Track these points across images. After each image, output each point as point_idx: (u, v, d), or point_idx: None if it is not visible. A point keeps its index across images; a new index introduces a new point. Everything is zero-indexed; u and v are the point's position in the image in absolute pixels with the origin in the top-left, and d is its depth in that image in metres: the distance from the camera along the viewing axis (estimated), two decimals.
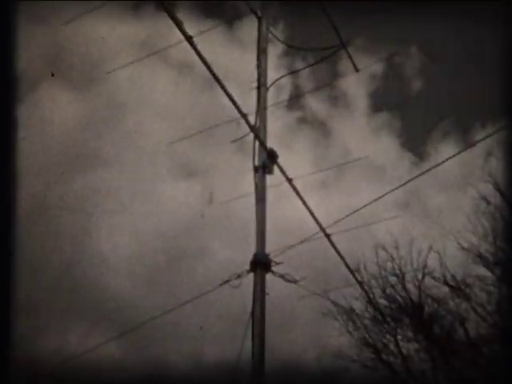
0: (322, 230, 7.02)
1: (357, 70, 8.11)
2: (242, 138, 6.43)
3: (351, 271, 7.79)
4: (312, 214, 6.95)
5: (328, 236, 7.07)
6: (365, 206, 6.84)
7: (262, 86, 7.03)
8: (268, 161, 6.46)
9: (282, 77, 7.20)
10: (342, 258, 7.26)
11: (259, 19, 7.57)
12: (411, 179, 6.74)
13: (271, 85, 7.09)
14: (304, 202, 6.91)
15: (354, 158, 7.15)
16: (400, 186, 6.72)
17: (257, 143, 6.54)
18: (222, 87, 5.73)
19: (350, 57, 7.61)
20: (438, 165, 6.53)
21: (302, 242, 6.99)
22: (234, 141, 6.43)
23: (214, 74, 5.62)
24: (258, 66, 7.19)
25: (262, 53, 7.30)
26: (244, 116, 6.13)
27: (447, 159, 6.37)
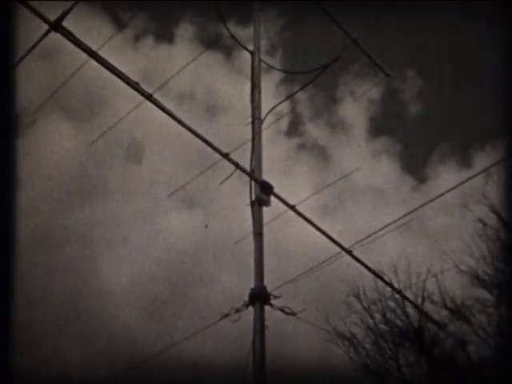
0: (342, 247, 7.13)
1: (388, 75, 8.28)
2: (229, 176, 6.51)
3: (387, 283, 7.93)
4: (325, 233, 7.05)
5: (350, 252, 7.18)
6: (382, 228, 7.00)
7: (256, 120, 7.14)
8: (262, 194, 6.54)
9: (274, 107, 7.30)
10: (372, 271, 7.47)
11: (252, 54, 7.72)
12: (418, 207, 6.86)
13: (265, 117, 7.20)
14: (314, 225, 7.01)
15: (348, 173, 7.20)
16: (408, 212, 6.83)
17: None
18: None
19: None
20: (441, 195, 6.68)
21: (324, 263, 7.11)
22: (221, 182, 6.53)
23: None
24: (252, 101, 7.30)
25: (255, 87, 7.43)
26: (225, 156, 6.31)
27: (449, 190, 6.52)
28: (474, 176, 6.56)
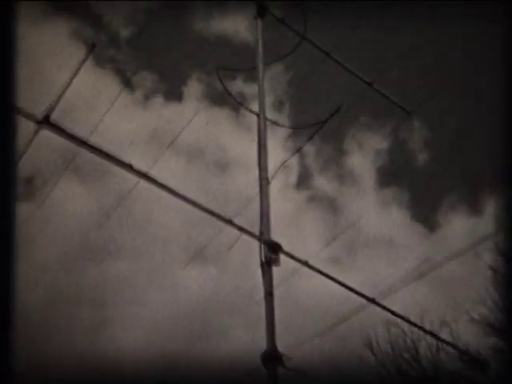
0: (365, 296, 7.09)
1: (408, 113, 8.35)
2: (236, 241, 6.62)
3: (421, 327, 7.81)
4: (344, 284, 7.02)
5: (373, 300, 7.12)
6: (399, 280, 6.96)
7: (263, 181, 7.27)
8: (271, 254, 6.62)
9: (280, 166, 7.40)
10: (401, 317, 7.36)
11: (257, 115, 7.90)
12: (434, 268, 6.85)
13: (272, 178, 7.31)
14: (330, 277, 7.00)
15: (354, 221, 7.18)
16: (421, 263, 6.77)
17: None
18: None
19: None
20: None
21: (346, 320, 7.07)
22: (229, 248, 6.64)
23: None
24: (259, 162, 7.45)
25: (262, 148, 7.58)
26: (229, 222, 6.43)
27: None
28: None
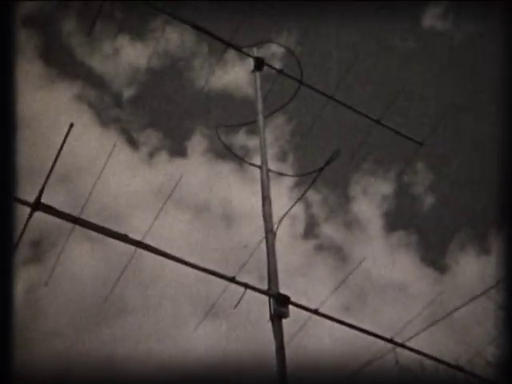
0: (386, 339, 6.97)
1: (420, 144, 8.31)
2: (241, 296, 6.59)
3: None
4: (361, 328, 6.93)
5: (392, 341, 7.00)
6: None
7: (268, 233, 7.26)
8: (279, 307, 6.57)
9: (283, 216, 7.35)
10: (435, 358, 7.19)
11: (260, 168, 7.95)
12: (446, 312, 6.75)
13: (277, 229, 7.29)
14: (343, 322, 6.91)
15: (358, 264, 7.06)
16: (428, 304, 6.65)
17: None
18: None
19: None
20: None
21: (371, 362, 6.96)
22: (235, 306, 6.61)
23: None
24: (264, 214, 7.45)
25: (265, 200, 7.60)
26: (232, 280, 6.43)
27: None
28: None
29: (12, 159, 5.32)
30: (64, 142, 5.77)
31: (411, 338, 6.84)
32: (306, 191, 7.37)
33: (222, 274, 6.58)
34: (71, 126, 5.76)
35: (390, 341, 6.91)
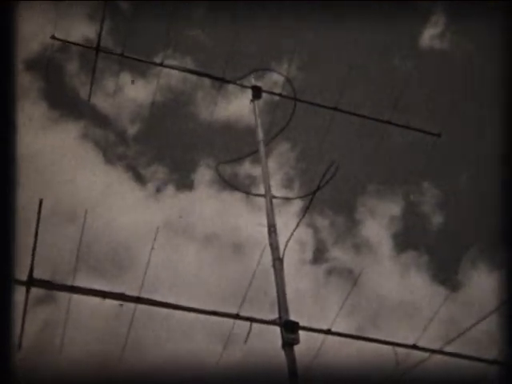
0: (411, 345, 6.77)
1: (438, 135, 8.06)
2: (249, 332, 6.55)
3: None
4: (379, 340, 6.76)
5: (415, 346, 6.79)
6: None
7: (276, 261, 7.20)
8: (289, 335, 6.48)
9: (286, 243, 7.27)
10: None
11: (264, 197, 7.93)
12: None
13: (283, 256, 7.22)
14: (361, 337, 6.78)
15: (357, 276, 6.88)
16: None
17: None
18: None
19: None
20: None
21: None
22: (245, 341, 6.57)
23: None
24: (270, 242, 7.41)
25: (271, 228, 7.56)
26: (237, 316, 6.42)
27: None
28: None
29: (11, 239, 5.64)
30: (39, 217, 6.01)
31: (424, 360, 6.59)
32: (307, 209, 7.28)
33: (225, 313, 6.58)
34: (41, 201, 5.99)
35: (413, 346, 6.65)
